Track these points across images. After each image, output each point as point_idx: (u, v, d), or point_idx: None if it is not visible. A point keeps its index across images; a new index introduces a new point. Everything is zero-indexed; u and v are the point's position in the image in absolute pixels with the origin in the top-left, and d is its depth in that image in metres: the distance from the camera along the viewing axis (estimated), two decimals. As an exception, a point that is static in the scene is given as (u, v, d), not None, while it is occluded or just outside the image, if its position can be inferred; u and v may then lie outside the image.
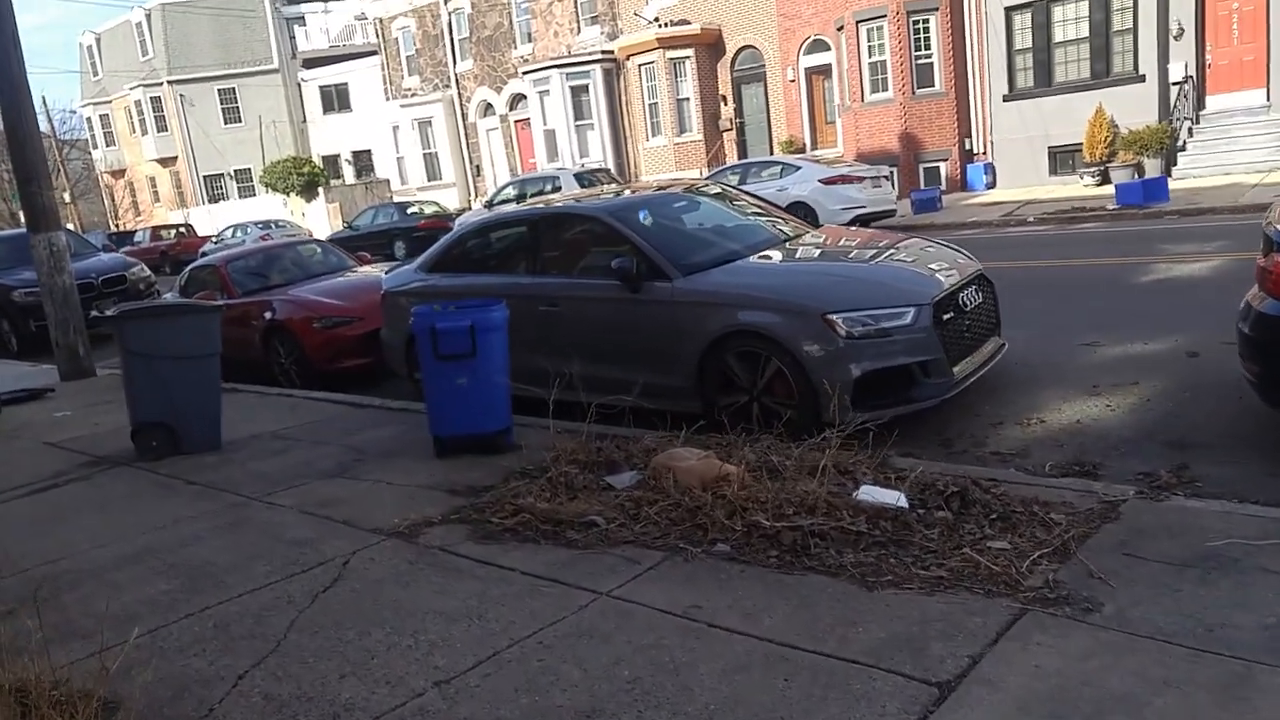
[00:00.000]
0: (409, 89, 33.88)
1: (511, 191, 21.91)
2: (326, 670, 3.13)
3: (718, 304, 5.44)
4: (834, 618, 3.07)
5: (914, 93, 20.13)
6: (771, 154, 23.31)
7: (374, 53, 36.82)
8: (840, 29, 21.02)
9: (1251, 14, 16.93)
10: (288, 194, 35.97)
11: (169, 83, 42.79)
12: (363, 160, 39.55)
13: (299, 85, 41.74)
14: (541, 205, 6.89)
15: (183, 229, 34.95)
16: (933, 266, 5.65)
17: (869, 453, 4.50)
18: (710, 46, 24.79)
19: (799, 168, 16.38)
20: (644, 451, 4.96)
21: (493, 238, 7.10)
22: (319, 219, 34.60)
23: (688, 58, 24.74)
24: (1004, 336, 5.92)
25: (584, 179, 20.95)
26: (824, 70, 22.98)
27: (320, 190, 35.21)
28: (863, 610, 3.09)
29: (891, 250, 5.96)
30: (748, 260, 5.83)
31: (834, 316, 5.07)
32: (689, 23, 24.75)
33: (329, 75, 39.93)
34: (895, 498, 3.84)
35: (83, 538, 4.89)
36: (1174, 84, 17.50)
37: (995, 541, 3.44)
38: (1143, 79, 17.66)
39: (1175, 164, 16.82)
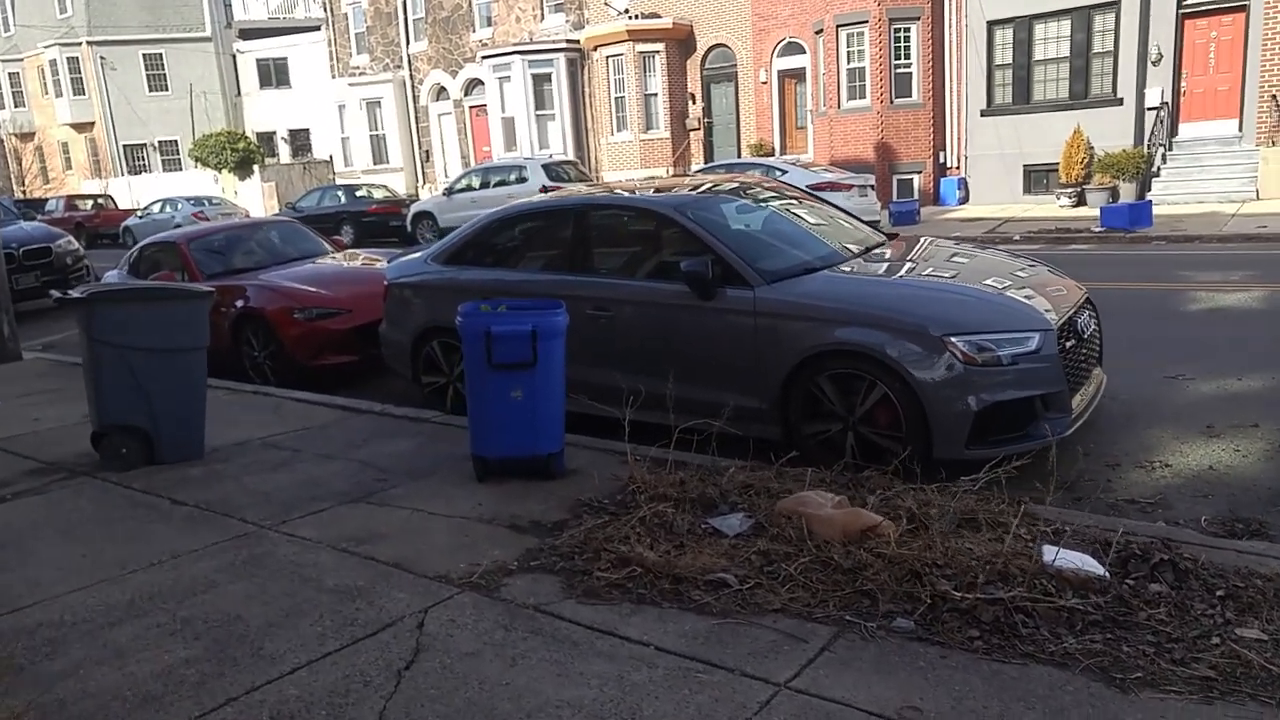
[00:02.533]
0: (357, 67, 32.38)
1: (474, 180, 20.94)
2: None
3: (811, 318, 4.79)
4: (1095, 731, 2.46)
5: (892, 102, 19.88)
6: (739, 156, 22.86)
7: (317, 27, 35.16)
8: (819, 32, 20.65)
9: (1229, 44, 17.11)
10: (220, 170, 34.06)
11: (88, 43, 40.14)
12: (300, 139, 37.77)
13: (234, 56, 39.60)
14: (587, 194, 6.12)
15: (102, 200, 32.73)
16: (1045, 287, 5.11)
17: (992, 497, 3.93)
18: (681, 42, 24.18)
19: (784, 171, 15.87)
20: (740, 488, 4.29)
21: (527, 229, 6.31)
22: (254, 198, 32.85)
23: (658, 52, 24.07)
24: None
25: (552, 170, 20.15)
26: (797, 74, 22.59)
27: (256, 168, 33.42)
28: (1125, 721, 2.49)
29: (998, 266, 5.41)
30: (837, 271, 5.20)
31: (955, 339, 4.47)
32: (660, 16, 24.09)
33: (267, 48, 37.97)
34: (1082, 560, 3.25)
35: (52, 575, 3.98)
36: (1150, 109, 17.59)
37: (1245, 629, 2.87)
38: (1120, 102, 17.71)
39: (1150, 189, 16.90)
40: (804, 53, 22.03)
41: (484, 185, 20.62)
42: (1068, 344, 4.70)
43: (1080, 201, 17.41)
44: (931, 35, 19.53)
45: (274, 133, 38.09)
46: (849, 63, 20.11)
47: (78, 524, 4.62)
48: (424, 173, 31.63)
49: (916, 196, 19.58)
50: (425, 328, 6.47)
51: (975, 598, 3.02)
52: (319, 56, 34.34)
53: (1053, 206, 17.87)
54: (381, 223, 22.62)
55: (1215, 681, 2.61)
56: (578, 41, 25.73)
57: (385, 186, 25.90)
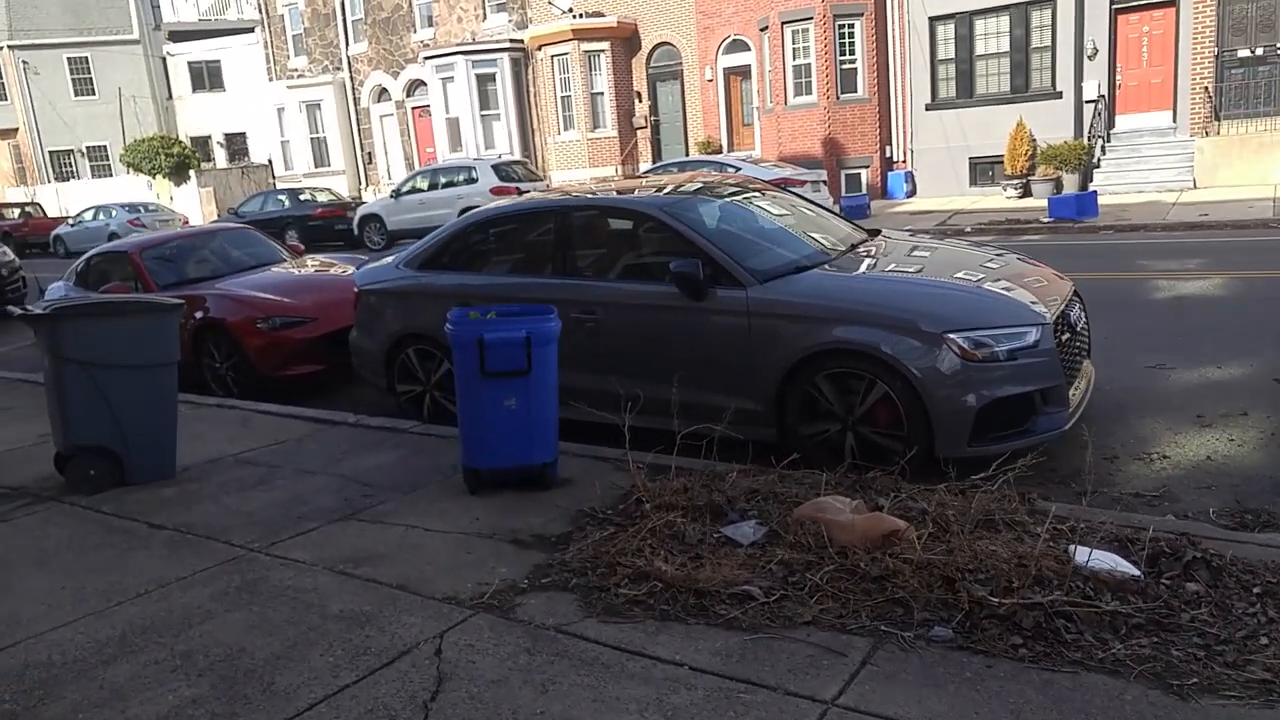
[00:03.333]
0: (296, 69, 31.60)
1: (422, 181, 20.56)
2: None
3: (807, 317, 4.74)
4: (1158, 736, 2.43)
5: (838, 98, 20.05)
6: (688, 154, 22.84)
7: (250, 29, 34.17)
8: (764, 29, 20.73)
9: (1160, 38, 17.62)
10: (154, 176, 32.95)
11: (9, 47, 38.61)
12: (237, 143, 36.72)
13: (164, 59, 38.31)
14: (569, 196, 5.97)
15: (30, 208, 31.44)
16: (1032, 280, 5.13)
17: (1004, 495, 3.92)
18: (626, 41, 24.08)
19: (738, 168, 15.87)
20: (746, 494, 4.21)
21: (506, 232, 6.14)
22: (191, 204, 31.85)
23: (603, 51, 23.94)
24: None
25: (501, 170, 19.89)
26: (743, 71, 22.65)
27: (192, 174, 32.41)
28: (1186, 725, 2.47)
29: (983, 260, 5.42)
30: (829, 269, 5.15)
31: (955, 336, 4.46)
32: (604, 15, 23.96)
33: (199, 50, 36.77)
34: (1115, 561, 3.25)
35: (33, 610, 3.73)
36: (1088, 102, 18.05)
37: (1286, 624, 2.87)
38: (1060, 95, 18.13)
39: (1091, 180, 17.31)
40: (749, 50, 22.10)
41: (432, 187, 20.26)
42: (1063, 337, 4.72)
43: (1026, 193, 17.76)
44: (875, 31, 19.74)
45: (209, 137, 36.98)
46: (795, 59, 20.23)
47: (52, 553, 4.35)
48: (367, 175, 31.02)
49: (865, 191, 19.79)
50: (400, 335, 6.28)
51: (1014, 603, 2.98)
52: (254, 58, 33.41)
53: (999, 198, 18.21)
54: (327, 227, 22.10)
55: (1274, 684, 2.59)
56: (521, 41, 25.47)
57: (329, 190, 25.31)
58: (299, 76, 31.27)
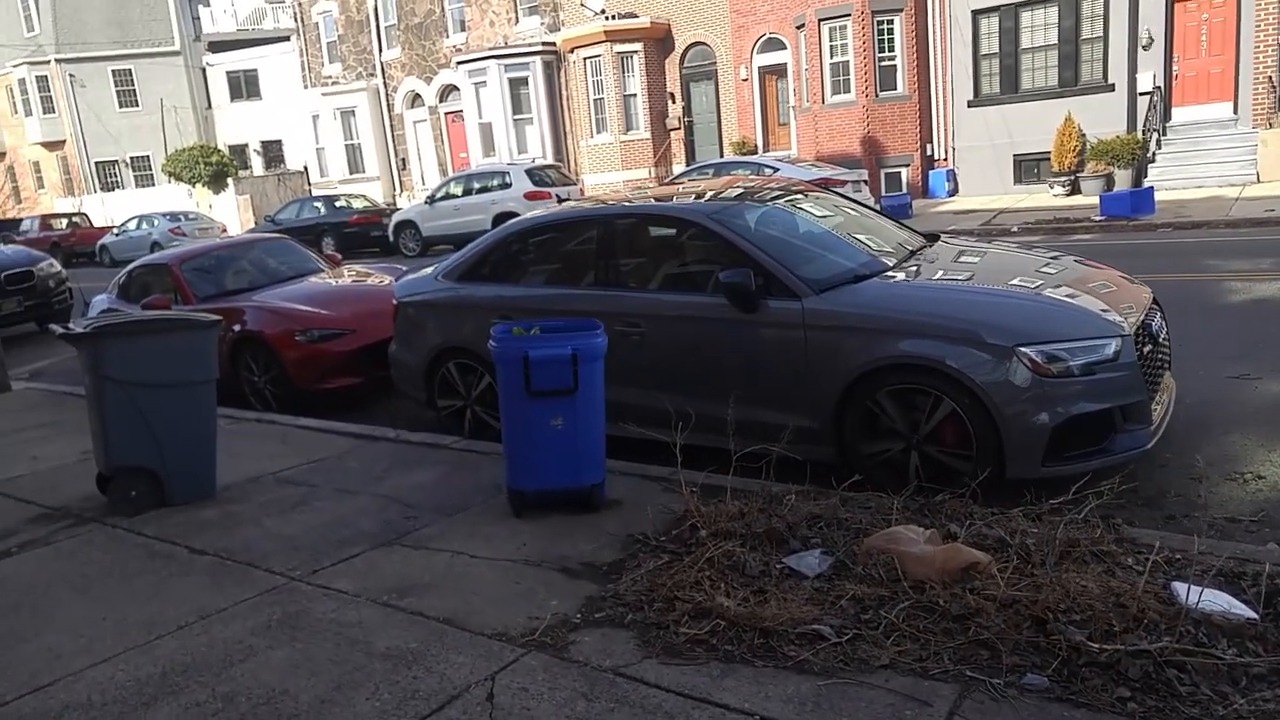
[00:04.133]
0: (330, 76, 31.82)
1: (456, 187, 20.51)
2: None
3: (869, 329, 4.49)
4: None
5: (877, 95, 19.68)
6: (722, 155, 22.61)
7: (286, 38, 34.53)
8: (800, 27, 20.41)
9: (1220, 26, 17.03)
10: (193, 184, 33.40)
11: (57, 61, 39.32)
12: (273, 151, 37.11)
13: (204, 70, 38.84)
14: (610, 205, 5.78)
15: (77, 218, 31.98)
16: (1099, 286, 4.85)
17: (1087, 522, 3.65)
18: (659, 41, 23.88)
19: (776, 169, 15.62)
20: (807, 520, 3.98)
21: (547, 241, 5.96)
22: (228, 211, 32.25)
23: (635, 52, 23.76)
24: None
25: (535, 175, 19.80)
26: (778, 70, 22.36)
27: (230, 181, 32.80)
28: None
29: (1053, 268, 5.14)
30: (889, 278, 4.90)
31: (1028, 349, 4.19)
32: (636, 16, 23.78)
33: (237, 60, 37.29)
34: (1228, 602, 2.97)
35: (73, 643, 3.61)
36: (1142, 94, 17.49)
37: None
38: (1112, 88, 17.61)
39: (1145, 175, 16.78)
40: (784, 48, 21.80)
41: (466, 192, 20.21)
42: (1145, 349, 4.43)
43: (1074, 190, 17.27)
44: (915, 26, 19.35)
45: (246, 145, 37.44)
46: (832, 57, 19.89)
47: (93, 579, 4.24)
48: (400, 181, 31.15)
49: (906, 190, 19.40)
50: (440, 348, 6.13)
51: (1116, 649, 2.73)
52: (290, 67, 33.73)
53: (1045, 196, 17.73)
54: (363, 233, 22.16)
55: None
56: (554, 44, 25.38)
57: (364, 196, 25.42)
58: (333, 84, 31.48)
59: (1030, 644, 2.87)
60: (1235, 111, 16.92)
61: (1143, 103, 17.39)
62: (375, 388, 7.54)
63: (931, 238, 5.76)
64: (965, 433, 4.31)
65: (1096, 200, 15.43)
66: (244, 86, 37.19)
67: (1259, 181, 15.83)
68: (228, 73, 37.38)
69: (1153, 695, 2.61)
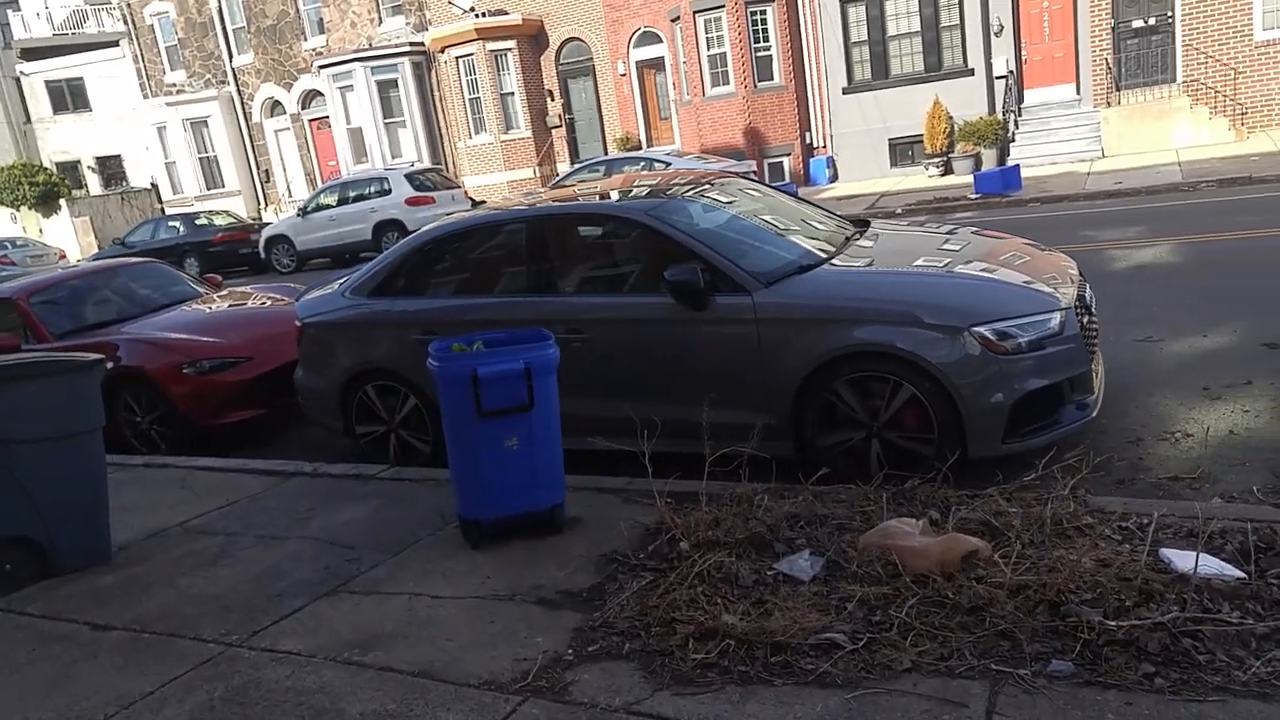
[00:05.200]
0: (174, 85, 29.88)
1: (330, 197, 19.58)
2: None
3: (824, 320, 4.40)
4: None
5: (755, 86, 19.93)
6: (606, 152, 22.49)
7: (115, 42, 32.02)
8: (675, 20, 20.46)
9: (1060, 13, 18.02)
10: (17, 208, 30.45)
11: None
12: (111, 167, 34.20)
13: (18, 80, 35.47)
14: (538, 206, 5.48)
15: None
16: (1040, 264, 4.92)
17: (1057, 497, 3.68)
18: (533, 38, 23.51)
19: (667, 163, 15.57)
20: (786, 520, 3.85)
21: (467, 248, 5.62)
22: (64, 236, 29.60)
23: (509, 50, 23.30)
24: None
25: (415, 179, 19.12)
26: (656, 64, 22.35)
27: (63, 203, 30.19)
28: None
29: (984, 246, 5.19)
30: (834, 267, 4.82)
31: (982, 329, 4.19)
32: (507, 13, 23.32)
33: (58, 69, 33.96)
34: (1219, 565, 3.00)
35: (-26, 751, 3.11)
36: (998, 78, 18.33)
37: None
38: (972, 72, 18.38)
39: (1008, 154, 17.59)
40: (661, 42, 21.81)
41: (342, 201, 19.33)
42: (1083, 320, 4.51)
43: (947, 170, 17.95)
44: (788, 16, 19.68)
45: (78, 162, 34.32)
46: (709, 49, 20.02)
47: (-21, 672, 3.69)
48: (265, 194, 29.64)
49: (789, 179, 19.73)
50: (355, 371, 5.73)
51: (1132, 625, 2.70)
52: (124, 75, 31.30)
53: (921, 177, 18.36)
54: (230, 252, 20.88)
55: None
56: (422, 44, 24.65)
57: (227, 212, 24.00)
58: (179, 92, 29.56)
59: (1048, 629, 2.82)
60: (1078, 92, 17.95)
61: (999, 86, 18.22)
62: (280, 419, 7.02)
63: (862, 223, 5.74)
64: (925, 417, 4.28)
65: (969, 179, 16.09)
66: (69, 97, 34.15)
67: (1104, 156, 16.84)
68: (48, 82, 34.12)
69: (1175, 668, 2.59)
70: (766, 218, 5.56)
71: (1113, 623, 2.73)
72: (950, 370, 4.17)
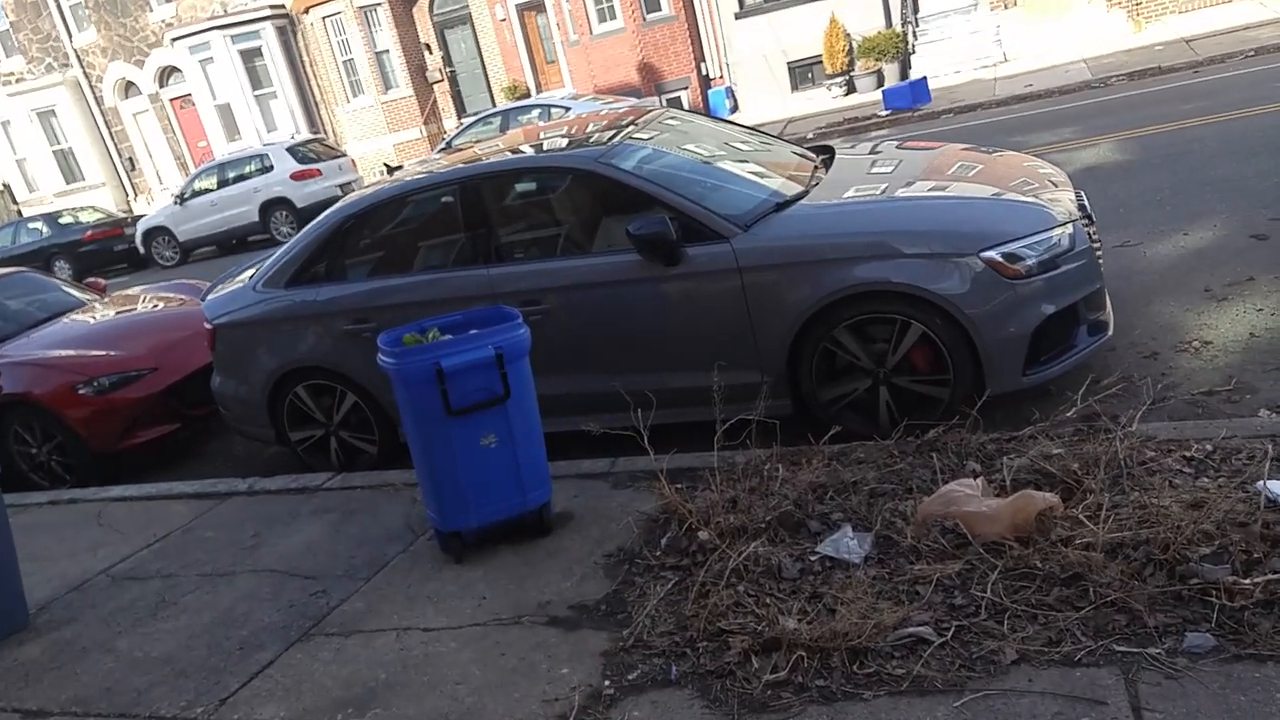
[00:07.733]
0: (13, 73, 27.19)
1: (208, 180, 18.12)
2: None
3: (816, 260, 3.95)
4: None
5: (644, 19, 19.15)
6: (493, 103, 21.46)
7: (-68, 28, 28.95)
8: (554, -43, 19.45)
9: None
10: None
11: None
12: (-50, 170, 31.33)
13: None
14: (471, 164, 4.80)
15: None
16: (1026, 172, 4.57)
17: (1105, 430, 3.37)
18: (402, -10, 22.10)
19: (567, 108, 14.80)
20: (812, 489, 3.44)
21: (397, 221, 4.92)
22: (-95, 248, 26.98)
23: (379, 5, 21.85)
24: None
25: (298, 152, 17.84)
26: (536, 4, 21.30)
27: (-101, 213, 27.53)
28: None
29: (968, 162, 4.80)
30: (814, 201, 4.36)
31: (992, 253, 3.81)
32: (372, -36, 21.82)
33: None
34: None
35: None
36: (891, -12, 18.01)
37: None
38: (864, -14, 18.00)
39: (910, 68, 17.38)
40: (541, -18, 20.77)
41: (222, 184, 17.92)
42: (1090, 231, 4.18)
43: (851, 89, 17.66)
44: (671, -57, 18.89)
45: (-92, 166, 31.29)
46: (592, -16, 19.13)
47: (-120, 804, 3.02)
48: (133, 184, 27.47)
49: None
50: (282, 372, 5.06)
51: (1268, 579, 2.37)
52: (-52, 64, 28.34)
53: (825, 99, 18.03)
54: (104, 250, 19.28)
55: None
56: (283, 6, 22.92)
57: (93, 207, 22.12)
58: (19, 81, 26.93)
59: (1167, 595, 2.47)
60: (974, -2, 17.81)
61: (895, -2, 17.93)
62: (199, 431, 6.26)
63: (825, 150, 5.28)
64: (937, 356, 3.91)
65: (875, 97, 15.83)
66: (-115, 93, 30.88)
67: (1006, 60, 16.76)
68: None
69: (1333, 628, 2.28)
70: (720, 153, 5.05)
71: (1247, 580, 2.39)
72: (963, 301, 3.79)
